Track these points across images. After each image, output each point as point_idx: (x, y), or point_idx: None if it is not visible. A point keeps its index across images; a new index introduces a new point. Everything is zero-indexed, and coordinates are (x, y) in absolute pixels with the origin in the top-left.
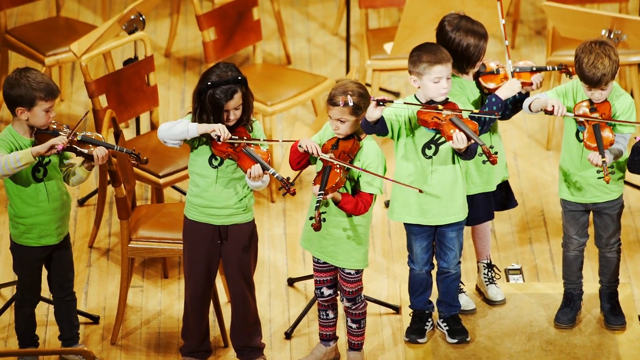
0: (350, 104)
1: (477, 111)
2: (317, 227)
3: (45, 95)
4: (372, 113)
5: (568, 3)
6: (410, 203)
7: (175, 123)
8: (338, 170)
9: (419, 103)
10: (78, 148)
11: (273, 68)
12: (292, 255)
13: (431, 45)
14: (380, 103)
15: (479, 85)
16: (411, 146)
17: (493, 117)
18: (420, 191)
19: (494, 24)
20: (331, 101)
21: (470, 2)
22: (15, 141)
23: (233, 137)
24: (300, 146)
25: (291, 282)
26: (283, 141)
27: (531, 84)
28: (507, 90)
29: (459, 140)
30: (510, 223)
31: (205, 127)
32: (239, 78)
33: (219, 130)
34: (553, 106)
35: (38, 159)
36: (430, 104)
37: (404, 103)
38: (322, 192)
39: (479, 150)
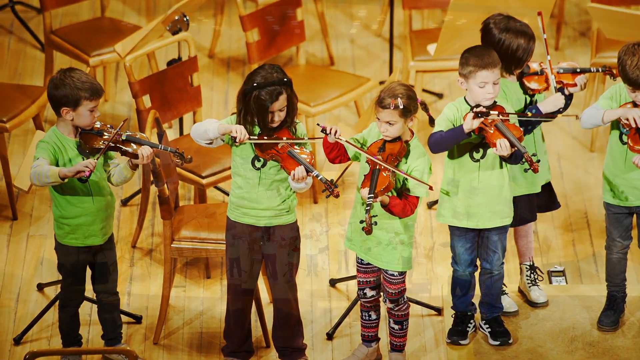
0: (401, 106)
1: (529, 114)
2: (368, 231)
3: (90, 95)
4: (472, 124)
5: (613, 4)
6: (457, 206)
7: (203, 123)
8: (386, 174)
9: (472, 106)
10: (123, 147)
11: (316, 69)
12: (334, 256)
13: (481, 49)
14: (479, 115)
15: (522, 86)
16: (459, 150)
17: (537, 125)
18: (431, 188)
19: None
20: (381, 104)
21: (514, 4)
22: (59, 142)
23: (252, 137)
24: (319, 125)
25: (333, 282)
26: (309, 139)
27: (575, 84)
28: (549, 105)
29: (502, 148)
30: (553, 225)
31: (224, 128)
32: (285, 80)
33: (236, 131)
34: (635, 119)
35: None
36: (477, 107)
37: (498, 114)
38: (372, 195)
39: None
